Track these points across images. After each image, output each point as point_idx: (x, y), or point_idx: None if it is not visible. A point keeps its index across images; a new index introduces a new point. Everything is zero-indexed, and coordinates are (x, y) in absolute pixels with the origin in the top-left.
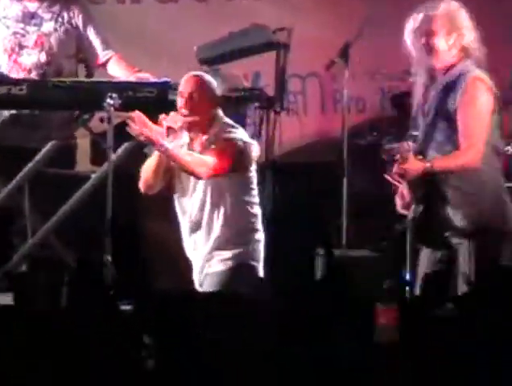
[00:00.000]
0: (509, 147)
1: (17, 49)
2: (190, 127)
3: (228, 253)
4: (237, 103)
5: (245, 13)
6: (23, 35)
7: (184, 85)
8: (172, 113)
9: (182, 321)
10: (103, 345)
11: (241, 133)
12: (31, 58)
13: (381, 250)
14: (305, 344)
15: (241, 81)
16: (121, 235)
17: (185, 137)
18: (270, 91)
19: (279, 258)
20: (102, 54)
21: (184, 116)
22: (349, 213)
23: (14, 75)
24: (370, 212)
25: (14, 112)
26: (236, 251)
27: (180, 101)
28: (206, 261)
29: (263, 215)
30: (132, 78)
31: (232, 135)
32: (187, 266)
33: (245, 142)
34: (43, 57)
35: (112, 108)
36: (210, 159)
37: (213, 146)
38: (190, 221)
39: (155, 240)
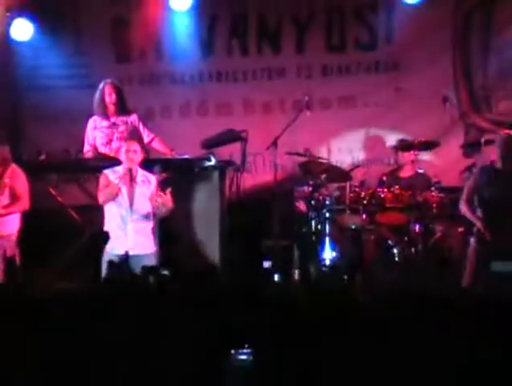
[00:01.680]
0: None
1: (108, 141)
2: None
3: None
4: (221, 168)
5: (224, 124)
6: (110, 134)
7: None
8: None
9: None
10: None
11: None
12: (116, 145)
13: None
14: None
15: (223, 157)
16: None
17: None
18: (238, 161)
19: (242, 246)
20: (147, 137)
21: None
22: (278, 221)
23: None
24: (290, 220)
25: None
26: None
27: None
28: None
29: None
30: (168, 155)
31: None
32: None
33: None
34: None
35: (159, 172)
36: None
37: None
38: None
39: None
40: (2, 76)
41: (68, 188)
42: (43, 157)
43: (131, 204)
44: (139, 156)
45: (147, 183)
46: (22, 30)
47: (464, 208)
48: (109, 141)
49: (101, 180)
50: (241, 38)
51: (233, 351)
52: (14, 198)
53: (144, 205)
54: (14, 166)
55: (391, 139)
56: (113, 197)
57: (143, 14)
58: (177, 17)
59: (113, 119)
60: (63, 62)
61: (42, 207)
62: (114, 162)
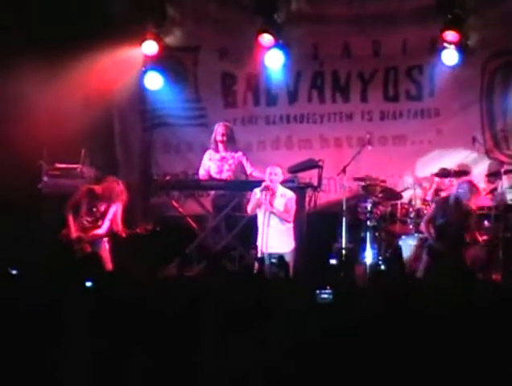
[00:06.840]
0: None
1: (219, 171)
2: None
3: None
4: (302, 188)
5: (305, 155)
6: (221, 166)
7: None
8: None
9: None
10: None
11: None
12: (226, 175)
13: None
14: None
15: (304, 180)
16: None
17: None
18: (315, 183)
19: (317, 248)
20: (250, 168)
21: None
22: (346, 229)
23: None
24: (354, 228)
25: None
26: None
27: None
28: None
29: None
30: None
31: None
32: None
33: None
34: (230, 174)
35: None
36: None
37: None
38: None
39: None
40: (137, 117)
41: (187, 201)
42: (168, 178)
43: (270, 212)
44: (279, 177)
45: (284, 196)
46: (154, 81)
47: None
48: (220, 172)
49: (252, 195)
50: (319, 89)
51: (317, 291)
52: (111, 230)
53: (281, 212)
54: (118, 204)
55: (433, 169)
56: (257, 207)
57: (245, 70)
58: (271, 73)
59: (223, 154)
60: (184, 106)
61: (167, 216)
62: (221, 184)
